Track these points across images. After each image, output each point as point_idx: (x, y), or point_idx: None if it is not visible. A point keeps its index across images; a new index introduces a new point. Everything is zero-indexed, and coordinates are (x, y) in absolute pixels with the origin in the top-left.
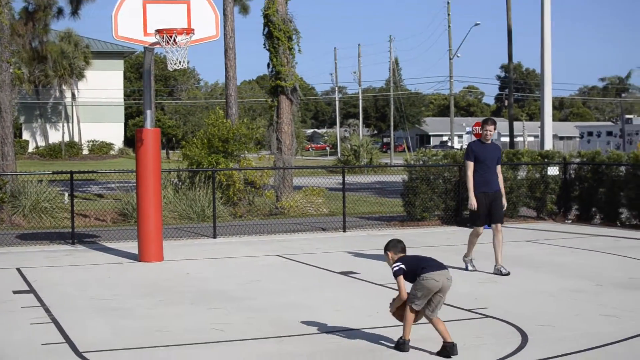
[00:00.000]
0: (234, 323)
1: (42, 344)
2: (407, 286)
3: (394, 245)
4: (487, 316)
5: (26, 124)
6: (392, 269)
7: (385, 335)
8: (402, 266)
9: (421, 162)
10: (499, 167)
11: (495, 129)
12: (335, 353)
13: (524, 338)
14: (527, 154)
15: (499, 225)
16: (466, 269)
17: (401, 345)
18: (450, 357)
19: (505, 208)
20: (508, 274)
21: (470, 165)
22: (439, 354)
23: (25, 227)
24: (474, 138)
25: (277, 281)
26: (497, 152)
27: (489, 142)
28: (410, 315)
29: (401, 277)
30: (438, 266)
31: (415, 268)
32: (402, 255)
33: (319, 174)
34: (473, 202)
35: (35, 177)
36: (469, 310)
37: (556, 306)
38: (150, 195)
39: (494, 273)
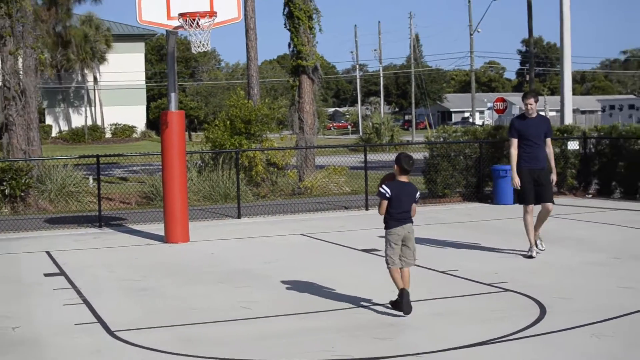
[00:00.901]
0: (261, 301)
1: (76, 324)
2: None
3: (404, 163)
4: (507, 290)
5: (49, 108)
6: (380, 189)
7: None
8: (388, 194)
9: (441, 139)
10: (548, 141)
11: (536, 101)
12: (358, 327)
13: (542, 310)
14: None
15: (549, 204)
16: (530, 255)
17: (400, 297)
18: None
19: (554, 182)
20: (543, 250)
21: (514, 142)
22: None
23: (52, 211)
24: (494, 114)
25: (301, 259)
26: (543, 126)
27: (533, 116)
28: (393, 273)
29: (384, 202)
30: (399, 220)
31: (390, 207)
32: (401, 179)
33: (341, 153)
34: (515, 181)
35: (61, 162)
36: (490, 285)
37: (575, 279)
38: (176, 177)
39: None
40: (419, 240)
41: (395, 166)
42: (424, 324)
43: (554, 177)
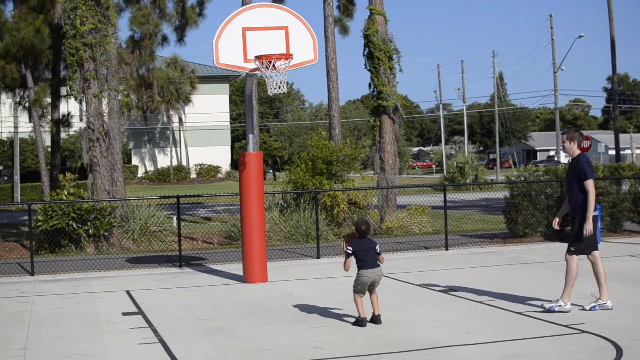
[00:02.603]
0: (335, 341)
1: None
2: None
3: (360, 228)
4: (583, 331)
5: (135, 149)
6: (345, 250)
7: (481, 350)
8: (351, 251)
9: (522, 179)
10: (587, 183)
11: (570, 139)
12: None
13: (619, 352)
14: (628, 168)
15: (565, 254)
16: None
17: (359, 322)
18: (377, 322)
19: (587, 232)
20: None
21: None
22: (355, 323)
23: (135, 250)
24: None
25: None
26: (573, 168)
27: (573, 156)
28: (357, 299)
29: (348, 259)
30: (369, 265)
31: (357, 258)
32: (359, 238)
33: (424, 192)
34: (587, 227)
35: (144, 202)
36: (566, 326)
37: None
38: (254, 217)
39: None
40: (501, 280)
41: (355, 230)
42: None
43: (587, 226)
